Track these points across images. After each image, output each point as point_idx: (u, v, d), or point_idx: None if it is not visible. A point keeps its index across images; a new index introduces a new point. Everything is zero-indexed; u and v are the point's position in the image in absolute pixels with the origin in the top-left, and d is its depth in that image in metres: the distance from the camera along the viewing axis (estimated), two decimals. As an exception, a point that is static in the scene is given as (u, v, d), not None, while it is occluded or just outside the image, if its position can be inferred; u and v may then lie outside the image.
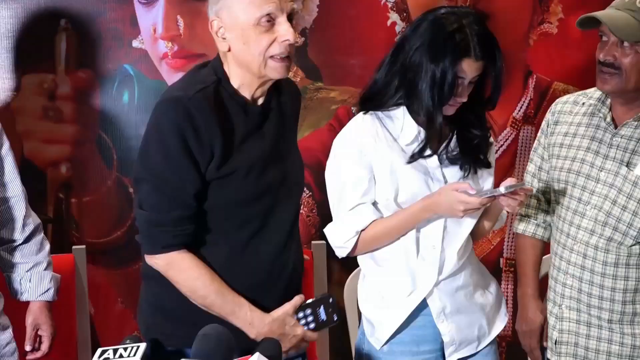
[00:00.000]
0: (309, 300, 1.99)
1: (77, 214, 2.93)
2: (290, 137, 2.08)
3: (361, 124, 2.06)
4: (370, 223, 2.04)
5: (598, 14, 1.97)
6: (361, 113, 2.07)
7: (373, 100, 2.06)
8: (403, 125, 2.04)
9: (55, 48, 2.88)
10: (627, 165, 2.04)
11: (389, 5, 2.94)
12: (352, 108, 2.23)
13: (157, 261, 1.89)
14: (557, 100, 2.28)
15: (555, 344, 2.15)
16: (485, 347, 2.18)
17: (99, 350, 1.74)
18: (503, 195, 1.91)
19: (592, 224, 2.06)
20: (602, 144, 2.07)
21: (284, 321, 1.93)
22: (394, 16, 2.95)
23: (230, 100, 1.91)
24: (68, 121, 2.90)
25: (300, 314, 1.96)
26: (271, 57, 1.85)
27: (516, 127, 3.08)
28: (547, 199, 2.24)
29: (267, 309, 1.94)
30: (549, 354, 2.20)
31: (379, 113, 2.05)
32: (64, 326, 2.30)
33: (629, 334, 2.09)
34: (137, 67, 2.89)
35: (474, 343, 2.15)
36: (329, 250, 2.32)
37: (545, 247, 2.30)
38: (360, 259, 2.16)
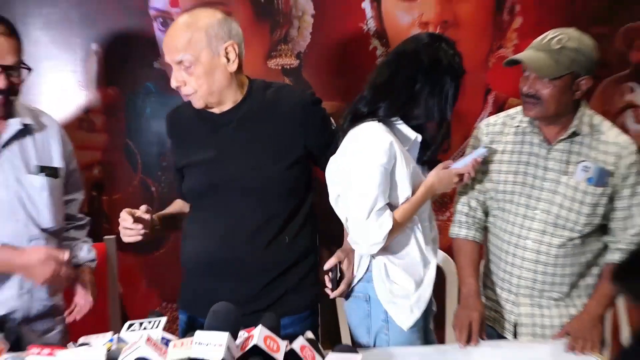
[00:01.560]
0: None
1: (108, 209, 2.94)
2: (255, 143, 2.04)
3: (384, 132, 1.97)
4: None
5: (520, 56, 2.03)
6: (374, 122, 1.98)
7: (375, 112, 2.01)
8: (403, 132, 2.02)
9: (87, 68, 2.88)
10: (565, 174, 2.08)
11: (371, 32, 2.95)
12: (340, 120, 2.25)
13: None
14: (484, 122, 2.27)
15: (515, 326, 2.16)
16: None
17: (127, 323, 1.79)
18: (475, 159, 2.05)
19: (543, 225, 2.10)
20: (540, 158, 2.11)
21: None
22: (375, 42, 2.96)
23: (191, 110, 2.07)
24: (99, 131, 2.91)
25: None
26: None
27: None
28: (484, 209, 2.23)
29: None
30: (507, 335, 2.19)
31: (385, 121, 2.00)
32: (98, 303, 2.30)
33: (572, 306, 2.15)
34: (157, 84, 2.90)
35: None
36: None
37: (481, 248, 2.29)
38: (380, 257, 2.04)
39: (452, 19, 3.01)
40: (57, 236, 2.21)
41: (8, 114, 2.07)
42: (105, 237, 2.78)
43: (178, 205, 2.30)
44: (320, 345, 1.76)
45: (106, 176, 2.93)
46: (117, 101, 2.92)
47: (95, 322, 2.34)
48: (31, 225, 2.10)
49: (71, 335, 2.23)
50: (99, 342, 1.71)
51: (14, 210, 2.08)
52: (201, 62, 1.96)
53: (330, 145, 2.09)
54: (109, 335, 1.76)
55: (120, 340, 1.73)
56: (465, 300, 2.11)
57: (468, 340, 2.02)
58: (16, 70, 2.04)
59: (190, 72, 1.97)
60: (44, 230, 2.13)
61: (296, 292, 2.07)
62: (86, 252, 2.33)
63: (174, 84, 2.00)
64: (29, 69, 2.08)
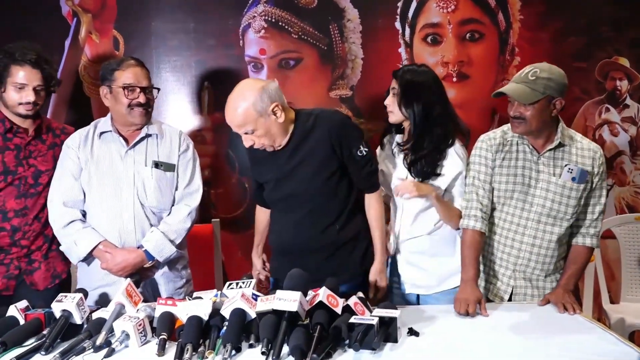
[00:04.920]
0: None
1: (215, 199, 2.94)
2: (305, 163, 1.97)
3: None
4: None
5: (504, 89, 1.93)
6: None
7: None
8: None
9: (201, 99, 2.91)
10: (554, 175, 1.97)
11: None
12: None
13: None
14: (485, 136, 2.09)
15: (511, 295, 2.04)
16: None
17: (227, 283, 1.78)
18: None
19: (538, 216, 1.99)
20: (533, 164, 1.99)
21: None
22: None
23: None
24: (209, 143, 2.92)
25: None
26: None
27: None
28: (487, 205, 2.04)
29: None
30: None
31: None
32: (207, 268, 2.33)
33: (554, 280, 2.04)
34: (250, 110, 2.90)
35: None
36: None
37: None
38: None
39: (466, 59, 2.93)
40: (159, 214, 2.13)
41: (147, 121, 2.13)
42: (213, 220, 2.80)
43: (261, 229, 2.26)
44: (368, 302, 1.70)
45: (213, 176, 2.93)
46: (222, 122, 2.86)
47: (205, 282, 2.36)
48: (137, 202, 2.07)
49: (188, 290, 2.24)
50: (208, 296, 1.70)
51: (129, 190, 2.07)
52: (259, 128, 1.90)
53: (361, 160, 2.00)
54: (214, 291, 1.75)
55: (222, 295, 1.72)
56: (464, 284, 1.95)
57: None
58: (149, 90, 2.12)
59: (255, 135, 1.92)
60: (147, 207, 2.09)
61: (347, 266, 2.02)
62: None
63: (247, 144, 1.96)
64: (158, 89, 2.17)
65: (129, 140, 2.12)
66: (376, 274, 2.03)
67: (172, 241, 2.08)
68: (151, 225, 2.09)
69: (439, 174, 2.03)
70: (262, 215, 2.24)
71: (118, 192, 2.06)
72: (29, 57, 2.07)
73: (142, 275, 2.07)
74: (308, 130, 1.96)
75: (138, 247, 2.06)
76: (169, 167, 2.13)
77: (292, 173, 1.98)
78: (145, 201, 2.09)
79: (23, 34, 2.20)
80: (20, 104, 2.09)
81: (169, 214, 2.14)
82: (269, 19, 2.86)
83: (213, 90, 2.89)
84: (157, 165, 2.11)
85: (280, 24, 2.87)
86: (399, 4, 2.90)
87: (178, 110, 2.91)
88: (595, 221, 2.02)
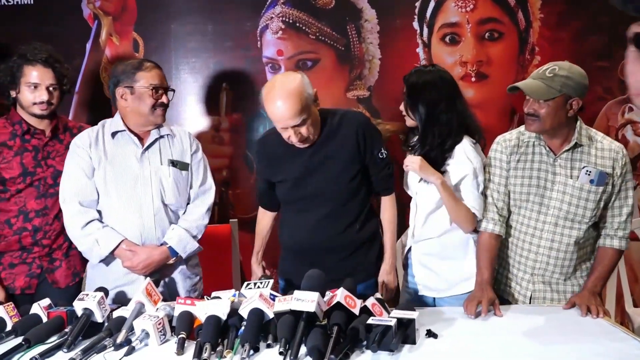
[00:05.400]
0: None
1: (233, 200, 2.95)
2: (330, 158, 1.96)
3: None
4: None
5: (519, 84, 1.89)
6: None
7: None
8: None
9: (219, 100, 2.92)
10: (571, 178, 1.93)
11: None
12: (400, 135, 2.18)
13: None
14: (501, 137, 2.06)
15: (530, 299, 2.00)
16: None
17: (245, 283, 1.79)
18: None
19: (555, 219, 1.95)
20: (549, 165, 1.95)
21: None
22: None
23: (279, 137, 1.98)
24: (227, 144, 2.93)
25: None
26: None
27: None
28: (503, 207, 2.01)
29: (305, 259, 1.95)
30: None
31: None
32: (225, 268, 2.34)
33: (575, 284, 2.00)
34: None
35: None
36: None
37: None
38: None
39: (485, 59, 2.90)
40: (176, 212, 2.15)
41: (163, 120, 2.14)
42: (231, 220, 2.81)
43: (263, 234, 2.25)
44: (386, 304, 1.70)
45: (231, 177, 2.95)
46: (240, 123, 2.93)
47: (223, 282, 2.37)
48: (157, 200, 2.08)
49: (207, 291, 2.23)
50: (226, 296, 1.71)
51: (147, 188, 2.08)
52: (311, 115, 1.88)
53: (381, 162, 2.00)
54: (232, 291, 1.76)
55: (240, 295, 1.73)
56: (478, 286, 1.93)
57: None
58: (167, 91, 2.13)
59: (307, 125, 1.88)
60: (166, 205, 2.11)
61: (363, 266, 2.01)
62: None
63: (295, 139, 1.89)
64: (174, 90, 2.16)
65: (144, 140, 2.13)
66: (384, 274, 2.03)
67: (194, 237, 2.11)
68: (170, 223, 2.11)
69: (443, 172, 1.97)
70: (266, 219, 2.23)
71: (137, 191, 2.08)
72: (40, 56, 2.10)
73: (161, 274, 2.09)
74: (335, 128, 1.96)
75: (161, 245, 2.08)
76: (184, 166, 2.15)
77: (316, 171, 1.96)
78: (165, 199, 2.10)
79: (45, 38, 2.24)
80: (35, 103, 2.11)
81: (184, 212, 2.16)
82: (287, 20, 2.87)
83: (231, 91, 2.91)
84: (173, 164, 2.12)
85: (297, 24, 2.87)
86: (417, 4, 2.89)
87: (196, 111, 2.93)
88: (623, 223, 1.96)
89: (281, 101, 1.83)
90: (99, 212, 2.09)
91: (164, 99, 2.09)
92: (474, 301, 1.83)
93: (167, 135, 2.16)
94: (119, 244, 2.03)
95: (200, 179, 2.19)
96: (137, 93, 2.07)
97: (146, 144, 2.12)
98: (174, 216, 2.14)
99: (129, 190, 2.07)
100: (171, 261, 2.09)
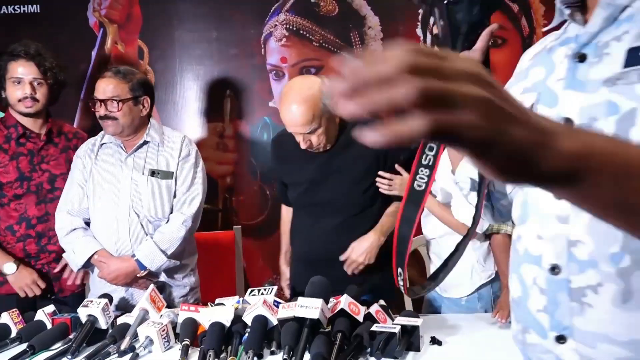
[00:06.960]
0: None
1: (236, 206, 2.96)
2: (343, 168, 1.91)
3: None
4: None
5: None
6: None
7: None
8: None
9: (223, 107, 2.93)
10: None
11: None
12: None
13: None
14: None
15: None
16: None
17: (249, 289, 1.78)
18: None
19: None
20: None
21: None
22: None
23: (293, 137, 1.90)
24: (231, 151, 2.94)
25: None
26: None
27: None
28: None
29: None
30: None
31: None
32: (229, 275, 2.32)
33: None
34: (272, 118, 2.91)
35: None
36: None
37: None
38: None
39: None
40: (156, 223, 2.05)
41: (111, 132, 2.03)
42: (234, 226, 2.81)
43: (288, 234, 2.17)
44: (390, 311, 1.69)
45: (235, 183, 2.95)
46: (244, 130, 2.94)
47: (226, 288, 2.36)
48: (132, 211, 2.02)
49: (210, 297, 2.23)
50: (230, 303, 1.71)
51: (124, 198, 2.03)
52: (322, 125, 1.82)
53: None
54: (236, 298, 1.76)
55: (244, 301, 1.72)
56: (506, 290, 1.86)
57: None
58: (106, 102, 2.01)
59: (317, 134, 1.83)
60: (142, 216, 2.02)
61: (371, 277, 1.94)
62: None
63: (303, 146, 1.84)
64: (121, 101, 2.01)
65: (128, 149, 2.07)
66: (356, 245, 1.90)
67: (163, 251, 2.00)
68: (146, 234, 2.02)
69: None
70: (290, 216, 2.17)
71: (116, 200, 2.03)
72: (21, 50, 2.06)
73: (136, 285, 2.05)
74: (350, 135, 1.89)
75: (132, 256, 2.01)
76: (167, 175, 2.05)
77: (331, 178, 1.93)
78: (141, 210, 2.03)
79: (51, 45, 2.25)
80: (19, 100, 2.07)
81: (167, 222, 2.06)
82: (291, 27, 2.88)
83: (235, 98, 2.92)
84: (153, 173, 2.04)
85: (301, 32, 2.89)
86: (420, 11, 2.90)
87: (200, 118, 2.94)
88: None
89: (295, 106, 1.79)
90: (90, 221, 2.07)
91: (100, 111, 1.98)
92: (507, 309, 1.75)
93: (156, 141, 2.06)
94: (93, 254, 2.01)
95: (185, 187, 2.06)
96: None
97: (129, 152, 2.06)
98: (152, 227, 2.04)
99: (109, 199, 2.03)
100: (140, 274, 2.02)
